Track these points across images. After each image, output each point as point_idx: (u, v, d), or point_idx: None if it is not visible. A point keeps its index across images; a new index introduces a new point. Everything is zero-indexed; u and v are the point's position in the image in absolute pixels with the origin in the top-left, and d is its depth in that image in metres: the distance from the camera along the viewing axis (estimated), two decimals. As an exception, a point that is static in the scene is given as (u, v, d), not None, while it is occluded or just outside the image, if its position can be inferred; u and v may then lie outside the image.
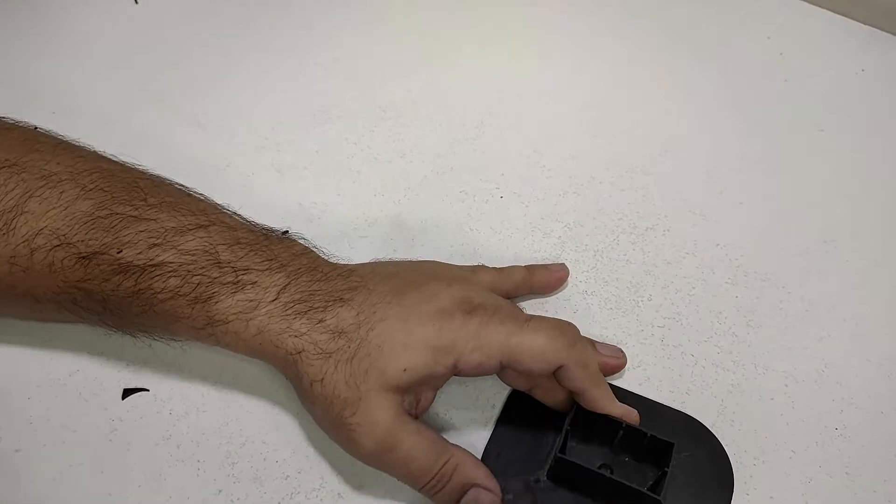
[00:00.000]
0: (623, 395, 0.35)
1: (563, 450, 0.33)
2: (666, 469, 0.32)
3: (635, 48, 0.57)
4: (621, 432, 0.33)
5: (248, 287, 0.32)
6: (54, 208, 0.32)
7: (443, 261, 0.39)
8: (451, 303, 0.32)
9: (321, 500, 0.33)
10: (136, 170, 0.36)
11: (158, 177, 0.36)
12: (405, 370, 0.30)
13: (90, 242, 0.32)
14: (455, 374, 0.32)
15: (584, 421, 0.33)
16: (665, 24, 0.59)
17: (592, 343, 0.37)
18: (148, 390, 0.37)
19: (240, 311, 0.31)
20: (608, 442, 0.34)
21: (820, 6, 0.59)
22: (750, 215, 0.45)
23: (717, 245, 0.44)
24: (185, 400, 0.36)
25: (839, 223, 0.45)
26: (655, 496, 0.31)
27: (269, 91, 0.52)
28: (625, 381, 0.37)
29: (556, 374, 0.32)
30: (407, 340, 0.30)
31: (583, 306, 0.41)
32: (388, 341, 0.30)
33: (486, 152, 0.49)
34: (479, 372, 0.31)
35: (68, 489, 0.33)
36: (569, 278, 0.42)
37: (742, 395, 0.37)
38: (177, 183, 0.36)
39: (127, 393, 0.37)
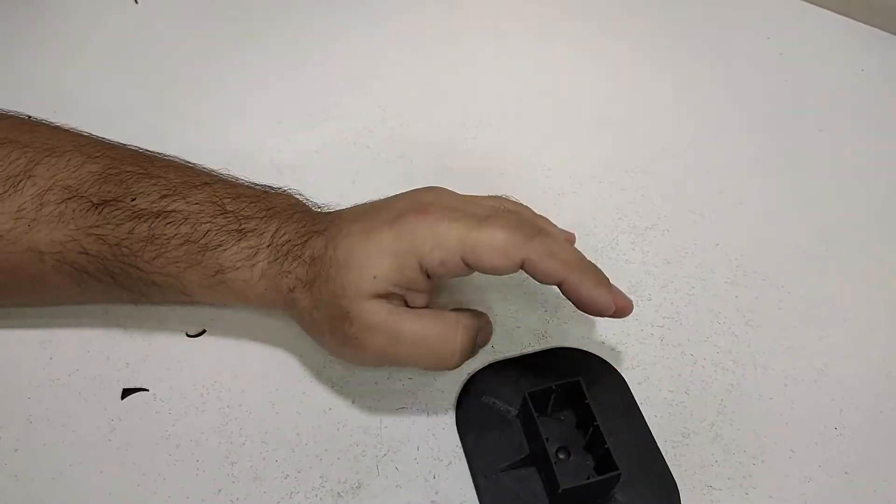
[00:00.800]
0: (633, 421, 0.35)
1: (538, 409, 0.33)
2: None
3: (635, 48, 0.57)
4: (591, 430, 0.33)
5: (250, 234, 0.33)
6: (63, 171, 0.33)
7: None
8: (406, 206, 0.32)
9: (321, 499, 0.33)
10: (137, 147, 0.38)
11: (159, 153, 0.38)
12: (375, 277, 0.31)
13: (103, 194, 0.33)
14: (430, 277, 0.32)
15: (569, 398, 0.34)
16: (665, 25, 0.59)
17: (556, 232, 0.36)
18: (147, 390, 0.37)
19: (245, 258, 0.33)
20: (584, 431, 0.34)
21: (820, 6, 0.59)
22: (750, 215, 0.45)
23: (717, 245, 0.44)
24: (185, 400, 0.36)
25: (839, 223, 0.45)
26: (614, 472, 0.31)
27: (269, 91, 0.52)
28: (625, 380, 0.37)
29: (526, 270, 0.31)
30: (369, 249, 0.31)
31: (582, 306, 0.41)
32: (353, 254, 0.31)
33: (486, 152, 0.49)
34: (446, 270, 0.31)
35: (68, 489, 0.33)
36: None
37: (742, 395, 0.37)
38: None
39: (126, 393, 0.37)
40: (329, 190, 0.46)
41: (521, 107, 0.52)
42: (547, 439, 0.32)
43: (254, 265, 0.33)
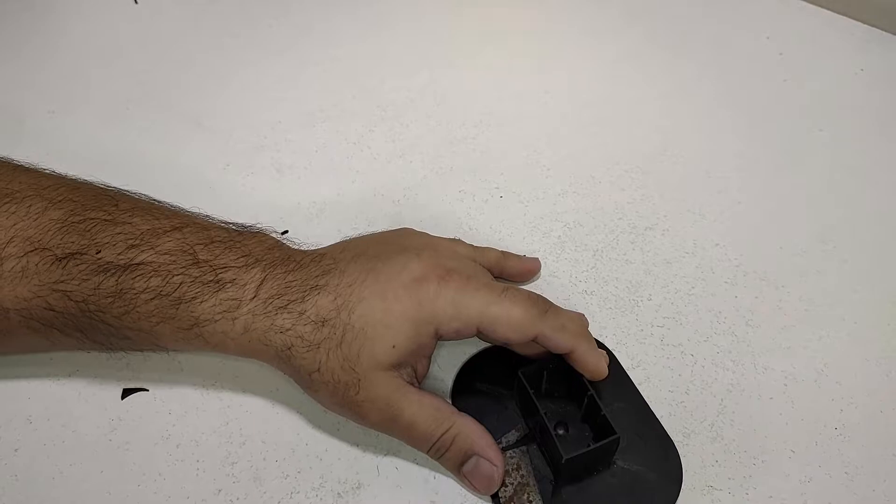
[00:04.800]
0: (625, 390, 0.36)
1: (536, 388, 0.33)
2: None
3: (635, 48, 0.57)
4: (586, 400, 0.33)
5: (229, 285, 0.32)
6: (23, 220, 0.31)
7: None
8: (424, 270, 0.32)
9: (321, 499, 0.33)
10: (102, 185, 0.35)
11: (124, 189, 0.36)
12: (394, 347, 0.31)
13: (66, 246, 0.31)
14: (439, 339, 0.33)
15: (561, 375, 0.34)
16: (665, 24, 0.59)
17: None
18: (147, 390, 0.37)
19: (224, 311, 0.31)
20: (578, 404, 0.34)
21: (820, 6, 0.59)
22: (750, 215, 0.45)
23: (717, 245, 0.44)
24: (185, 400, 0.36)
25: (839, 223, 0.45)
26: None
27: (269, 91, 0.52)
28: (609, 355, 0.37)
29: (538, 342, 0.32)
30: (389, 319, 0.31)
31: (583, 306, 0.41)
32: (370, 322, 0.31)
33: (485, 152, 0.49)
34: (457, 337, 0.32)
35: (68, 489, 0.33)
36: (569, 278, 0.42)
37: (742, 395, 0.37)
38: (143, 195, 0.36)
39: (127, 393, 0.37)
40: (329, 190, 0.46)
41: (521, 107, 0.52)
42: (545, 414, 0.32)
43: (235, 318, 0.31)
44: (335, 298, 0.31)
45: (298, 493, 0.33)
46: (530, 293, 0.33)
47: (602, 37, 0.57)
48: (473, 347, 0.38)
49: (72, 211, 0.32)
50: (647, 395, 0.37)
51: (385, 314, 0.31)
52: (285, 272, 0.33)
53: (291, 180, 0.47)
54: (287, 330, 0.31)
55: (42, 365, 0.37)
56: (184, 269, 0.32)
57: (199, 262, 0.32)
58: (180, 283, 0.31)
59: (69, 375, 0.37)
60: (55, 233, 0.31)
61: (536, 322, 0.32)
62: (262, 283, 0.32)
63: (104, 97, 0.51)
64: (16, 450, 0.34)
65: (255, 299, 0.32)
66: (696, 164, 0.48)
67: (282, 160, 0.48)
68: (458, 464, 0.32)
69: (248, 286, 0.32)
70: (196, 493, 0.33)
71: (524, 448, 0.34)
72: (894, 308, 0.41)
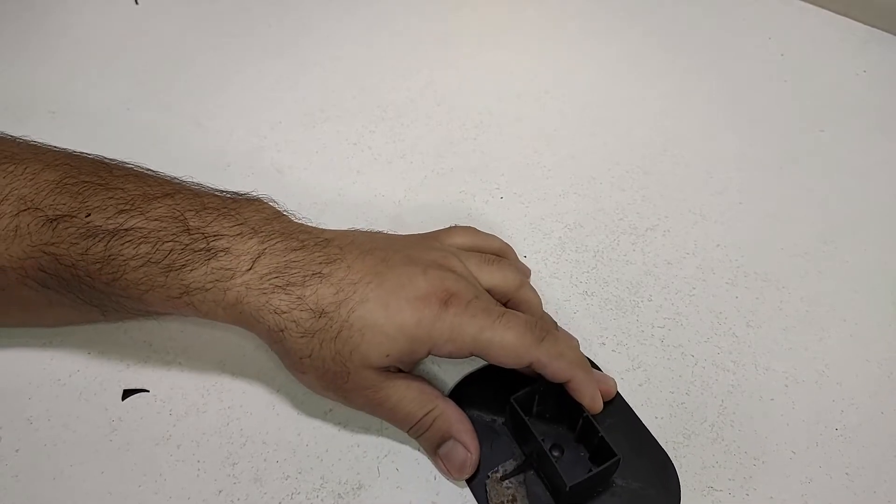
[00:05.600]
0: (615, 405, 0.35)
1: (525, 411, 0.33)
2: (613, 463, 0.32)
3: (636, 48, 0.57)
4: (581, 421, 0.33)
5: (221, 254, 0.31)
6: (19, 178, 0.32)
7: None
8: (428, 291, 0.32)
9: (321, 500, 0.33)
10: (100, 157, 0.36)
11: (125, 161, 0.36)
12: (387, 356, 0.31)
13: (58, 207, 0.31)
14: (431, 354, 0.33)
15: (552, 396, 0.34)
16: (665, 25, 0.59)
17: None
18: (148, 391, 0.37)
19: (216, 280, 0.31)
20: (572, 427, 0.34)
21: (820, 6, 0.59)
22: (750, 215, 0.45)
23: (718, 245, 0.44)
24: (185, 400, 0.36)
25: (839, 223, 0.45)
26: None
27: (269, 91, 0.52)
28: (625, 381, 0.37)
29: (534, 368, 0.32)
30: (387, 328, 0.31)
31: (583, 306, 0.41)
32: (369, 325, 0.31)
33: (486, 152, 0.49)
34: (451, 357, 0.33)
35: (69, 489, 0.33)
36: (569, 279, 0.42)
37: (742, 395, 0.37)
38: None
39: (127, 393, 0.37)
40: (329, 190, 0.46)
41: (521, 107, 0.52)
42: (542, 440, 0.32)
43: (228, 289, 0.31)
44: (337, 292, 0.31)
45: (299, 493, 0.33)
46: (528, 319, 0.33)
47: (602, 37, 0.57)
48: (468, 366, 0.38)
49: (67, 173, 0.33)
50: (648, 396, 0.37)
51: (385, 323, 0.31)
52: (286, 249, 0.32)
53: (292, 181, 0.47)
54: (283, 312, 0.31)
55: (43, 365, 0.37)
56: (174, 237, 0.31)
57: (189, 230, 0.32)
58: (170, 251, 0.31)
59: (70, 376, 0.37)
60: (48, 193, 0.32)
61: (531, 349, 0.32)
62: (259, 257, 0.32)
63: (104, 97, 0.51)
64: (16, 450, 0.34)
65: (251, 272, 0.31)
66: (696, 164, 0.48)
67: (282, 160, 0.48)
68: (434, 445, 0.33)
69: (243, 257, 0.31)
70: (197, 494, 0.33)
71: (521, 478, 0.33)
72: (895, 308, 0.41)
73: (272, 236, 0.33)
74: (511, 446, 0.34)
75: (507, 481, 0.33)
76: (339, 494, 0.34)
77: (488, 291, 0.35)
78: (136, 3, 0.59)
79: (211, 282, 0.31)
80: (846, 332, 0.40)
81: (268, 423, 0.36)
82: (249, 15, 0.58)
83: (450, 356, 0.32)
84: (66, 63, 0.54)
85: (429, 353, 0.32)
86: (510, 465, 0.34)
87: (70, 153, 0.35)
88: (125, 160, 0.36)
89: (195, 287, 0.31)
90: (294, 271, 0.32)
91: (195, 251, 0.31)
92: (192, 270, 0.31)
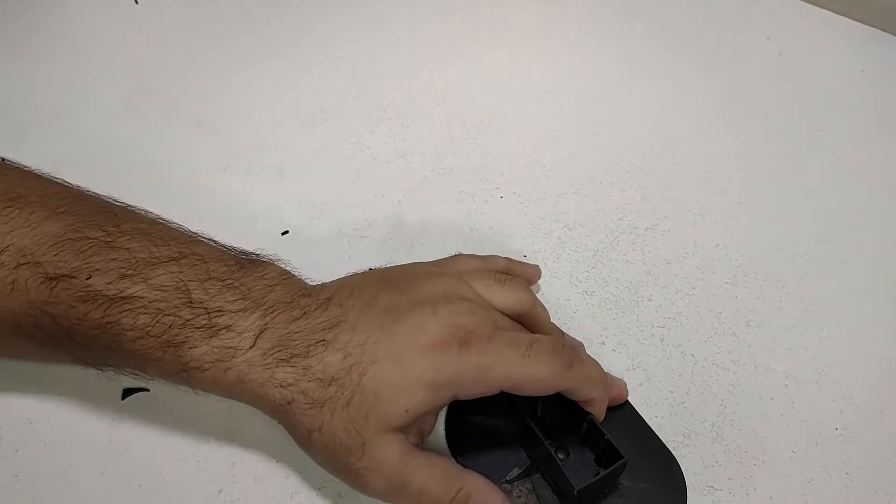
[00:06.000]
0: (622, 409, 0.36)
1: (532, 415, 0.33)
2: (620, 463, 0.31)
3: (635, 48, 0.57)
4: (586, 424, 0.33)
5: (223, 332, 0.30)
6: (22, 227, 0.31)
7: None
8: (442, 334, 0.30)
9: (321, 500, 0.33)
10: (109, 198, 0.35)
11: (129, 205, 0.35)
12: (406, 411, 0.29)
13: (58, 264, 0.30)
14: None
15: (556, 399, 0.33)
16: (665, 24, 0.59)
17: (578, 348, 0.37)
18: (148, 390, 0.37)
19: (216, 359, 0.30)
20: (577, 429, 0.34)
21: (820, 6, 0.59)
22: (750, 215, 0.45)
23: (717, 245, 0.44)
24: (185, 400, 0.36)
25: (839, 223, 0.45)
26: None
27: (269, 91, 0.52)
28: (625, 380, 0.37)
29: (563, 393, 0.32)
30: (404, 383, 0.29)
31: (583, 306, 0.41)
32: (383, 385, 0.29)
33: (486, 152, 0.49)
34: (477, 397, 0.31)
35: (69, 489, 0.33)
36: (569, 279, 0.42)
37: (742, 395, 0.37)
38: (149, 212, 0.35)
39: (127, 393, 0.37)
40: (329, 190, 0.46)
41: (521, 107, 0.52)
42: (549, 443, 0.32)
43: (229, 368, 0.30)
44: (345, 357, 0.30)
45: (299, 493, 0.33)
46: (555, 344, 0.32)
47: (602, 37, 0.57)
48: None
49: (71, 225, 0.31)
50: (648, 395, 0.37)
51: (400, 378, 0.29)
52: (288, 320, 0.31)
53: (291, 181, 0.47)
54: (289, 385, 0.29)
55: (43, 365, 0.37)
56: (175, 309, 0.30)
57: (191, 303, 0.30)
58: (170, 325, 0.30)
59: (70, 376, 0.37)
60: (50, 247, 0.30)
61: (562, 378, 0.31)
62: (261, 332, 0.30)
63: (104, 97, 0.51)
64: (16, 450, 0.34)
65: (254, 349, 0.30)
66: (696, 164, 0.48)
67: (282, 160, 0.48)
68: None
69: (245, 334, 0.30)
70: (196, 494, 0.33)
71: (530, 486, 0.33)
72: (895, 308, 0.41)
73: (275, 308, 0.31)
74: (516, 451, 0.34)
75: (517, 490, 0.33)
76: (339, 494, 0.34)
77: (501, 312, 0.34)
78: (136, 2, 0.59)
79: (211, 361, 0.30)
80: (846, 332, 0.40)
81: (268, 422, 0.36)
82: (249, 15, 0.58)
83: (477, 397, 0.31)
84: (66, 63, 0.54)
85: (454, 399, 0.30)
86: (515, 472, 0.33)
87: (77, 195, 0.33)
88: (139, 211, 0.35)
89: (193, 366, 0.30)
90: (296, 342, 0.30)
91: (196, 328, 0.30)
92: (191, 348, 0.30)
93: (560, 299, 0.41)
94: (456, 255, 0.39)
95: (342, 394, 0.29)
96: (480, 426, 0.35)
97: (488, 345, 0.30)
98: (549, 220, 0.45)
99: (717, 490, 0.34)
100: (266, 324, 0.30)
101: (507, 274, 0.36)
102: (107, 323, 0.30)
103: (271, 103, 0.51)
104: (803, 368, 0.38)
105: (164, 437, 0.35)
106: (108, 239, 0.31)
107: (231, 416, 0.36)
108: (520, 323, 0.35)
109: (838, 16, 0.59)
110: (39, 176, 0.34)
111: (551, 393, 0.31)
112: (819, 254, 0.43)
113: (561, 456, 0.33)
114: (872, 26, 0.58)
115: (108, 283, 0.30)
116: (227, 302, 0.31)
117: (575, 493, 0.30)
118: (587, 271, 0.42)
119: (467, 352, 0.30)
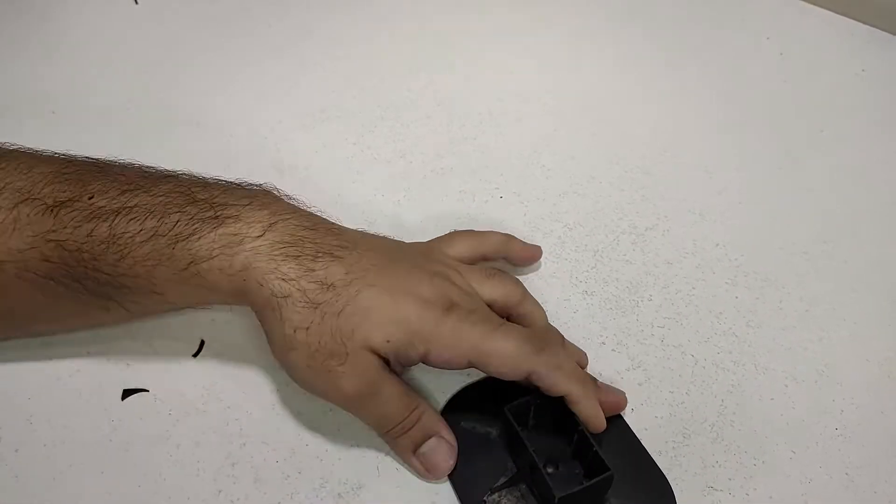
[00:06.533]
0: (614, 422, 0.35)
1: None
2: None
3: (635, 48, 0.57)
4: (576, 435, 0.32)
5: (230, 220, 0.31)
6: (12, 174, 0.31)
7: None
8: (433, 295, 0.32)
9: (321, 500, 0.33)
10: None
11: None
12: (388, 341, 0.31)
13: (57, 195, 0.31)
14: (423, 363, 0.32)
15: (549, 409, 0.33)
16: (665, 24, 0.59)
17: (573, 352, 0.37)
18: (148, 390, 0.37)
19: (224, 245, 0.30)
20: (567, 440, 0.33)
21: (820, 6, 0.59)
22: (750, 215, 0.45)
23: (717, 245, 0.44)
24: (185, 400, 0.36)
25: (839, 223, 0.45)
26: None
27: (269, 91, 0.52)
28: (625, 381, 0.37)
29: (532, 381, 0.32)
30: (393, 314, 0.31)
31: (583, 306, 0.41)
32: (376, 307, 0.31)
33: (486, 152, 0.49)
34: (446, 366, 0.32)
35: (68, 489, 0.33)
36: (569, 278, 0.42)
37: (742, 395, 0.37)
38: None
39: (127, 393, 0.37)
40: (329, 190, 0.46)
41: (521, 107, 0.52)
42: (534, 451, 0.31)
43: (235, 254, 0.30)
44: (347, 272, 0.31)
45: (299, 493, 0.33)
46: (527, 330, 0.33)
47: (602, 37, 0.57)
48: (464, 379, 0.37)
49: (63, 165, 0.32)
50: (647, 395, 0.37)
51: (392, 308, 0.31)
52: (298, 226, 0.32)
53: (292, 181, 0.47)
54: (290, 279, 0.31)
55: (43, 365, 0.37)
56: (180, 208, 0.31)
57: (196, 201, 0.31)
58: (177, 222, 0.30)
59: (70, 376, 0.37)
60: (46, 184, 0.31)
61: (530, 359, 0.32)
62: (271, 226, 0.31)
63: (104, 97, 0.51)
64: (16, 450, 0.34)
65: (262, 238, 0.31)
66: (696, 164, 0.48)
67: (282, 160, 0.48)
68: (416, 444, 0.33)
69: (254, 225, 0.31)
70: (196, 494, 0.33)
71: (518, 495, 0.33)
72: (895, 308, 0.41)
73: (284, 212, 0.32)
74: (505, 460, 0.34)
75: (499, 494, 0.33)
76: (339, 494, 0.34)
77: (490, 305, 0.35)
78: (136, 2, 0.59)
79: (219, 248, 0.30)
80: (846, 332, 0.40)
81: (268, 423, 0.36)
82: (249, 15, 0.58)
83: (447, 364, 0.32)
84: (66, 63, 0.54)
85: (424, 357, 0.32)
86: (502, 480, 0.33)
87: (62, 152, 0.34)
88: (125, 160, 0.35)
89: (201, 255, 0.30)
90: (307, 246, 0.31)
91: (203, 220, 0.31)
92: (199, 238, 0.31)
93: (560, 299, 0.41)
94: (451, 232, 0.40)
95: (337, 301, 0.31)
96: (471, 433, 0.35)
97: (467, 316, 0.32)
98: (549, 220, 0.45)
99: (716, 490, 0.34)
100: (276, 221, 0.32)
101: (499, 270, 0.38)
102: (114, 234, 0.30)
103: (271, 103, 0.51)
104: (803, 368, 0.38)
105: (165, 438, 0.35)
106: (102, 170, 0.32)
107: (231, 417, 0.36)
108: (512, 320, 0.36)
109: (838, 16, 0.59)
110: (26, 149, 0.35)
111: (520, 376, 0.32)
112: (819, 253, 0.43)
113: (550, 469, 0.33)
114: (872, 26, 0.58)
115: (111, 199, 0.31)
116: (233, 199, 0.32)
117: (556, 501, 0.30)
118: (587, 271, 0.42)
119: (447, 316, 0.32)
